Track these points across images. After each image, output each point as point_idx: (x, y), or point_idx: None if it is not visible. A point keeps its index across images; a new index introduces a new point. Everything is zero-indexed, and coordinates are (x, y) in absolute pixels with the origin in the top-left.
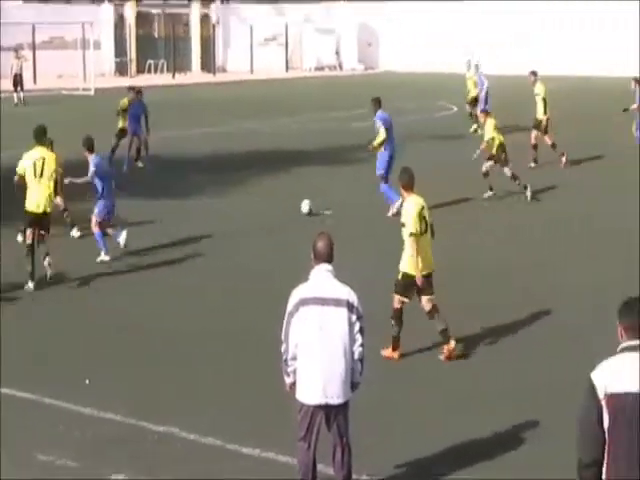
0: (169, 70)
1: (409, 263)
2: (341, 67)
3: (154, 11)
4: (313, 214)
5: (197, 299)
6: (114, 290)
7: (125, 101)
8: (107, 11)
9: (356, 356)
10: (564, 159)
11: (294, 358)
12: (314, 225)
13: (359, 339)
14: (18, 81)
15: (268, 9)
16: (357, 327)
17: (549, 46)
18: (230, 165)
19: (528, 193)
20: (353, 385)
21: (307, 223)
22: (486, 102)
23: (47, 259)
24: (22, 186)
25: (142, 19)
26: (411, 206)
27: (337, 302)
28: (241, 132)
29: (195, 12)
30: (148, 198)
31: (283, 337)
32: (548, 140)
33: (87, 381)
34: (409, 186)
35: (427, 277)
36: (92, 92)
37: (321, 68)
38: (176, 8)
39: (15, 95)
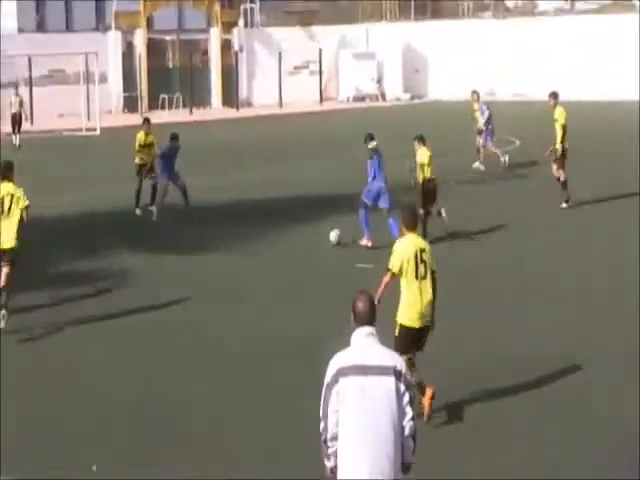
0: (185, 105)
1: (404, 312)
2: (384, 97)
3: (168, 38)
4: (342, 244)
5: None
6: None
7: (142, 135)
8: (114, 40)
9: (406, 432)
10: (564, 204)
11: (334, 438)
12: (346, 281)
13: (409, 412)
14: (17, 121)
15: (299, 33)
16: (406, 398)
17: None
18: (251, 216)
19: None
20: (404, 466)
21: (337, 279)
22: (490, 134)
23: (2, 312)
24: None
25: (154, 48)
26: (406, 245)
27: (382, 370)
28: (267, 178)
29: (215, 38)
30: (154, 251)
31: (321, 414)
32: (560, 175)
33: (94, 468)
34: (410, 225)
35: (420, 330)
36: (98, 132)
37: (361, 98)
38: (193, 34)
39: (14, 137)
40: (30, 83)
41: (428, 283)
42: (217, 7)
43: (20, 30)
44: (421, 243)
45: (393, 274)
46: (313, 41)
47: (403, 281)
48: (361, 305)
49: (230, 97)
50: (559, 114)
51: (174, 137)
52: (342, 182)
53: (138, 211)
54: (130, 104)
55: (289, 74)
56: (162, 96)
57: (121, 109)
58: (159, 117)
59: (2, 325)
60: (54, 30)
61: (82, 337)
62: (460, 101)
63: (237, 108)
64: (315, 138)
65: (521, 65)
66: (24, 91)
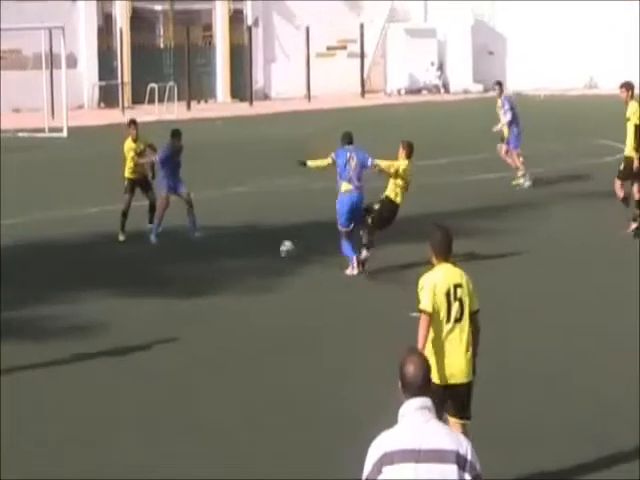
0: (181, 98)
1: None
2: (447, 89)
3: (158, 8)
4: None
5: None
6: None
7: (130, 143)
8: (86, 10)
9: None
10: (633, 225)
11: None
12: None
13: None
14: None
15: (333, 2)
16: None
17: None
18: (264, 243)
19: None
20: None
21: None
22: (516, 138)
23: None
24: None
25: (139, 21)
26: (436, 277)
27: (440, 456)
28: (286, 195)
29: (221, 8)
30: (148, 293)
31: None
32: (621, 191)
33: None
34: (442, 251)
35: (452, 388)
36: (64, 133)
37: (416, 91)
38: (191, 3)
39: None
40: None
41: (465, 328)
42: None
43: None
44: (456, 276)
45: (429, 315)
46: (352, 12)
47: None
48: (412, 370)
49: (241, 87)
50: (632, 110)
51: (175, 134)
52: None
53: (122, 237)
54: (108, 96)
55: (319, 57)
56: (150, 86)
57: (96, 103)
58: (146, 113)
59: None
60: None
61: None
62: (553, 95)
63: (250, 102)
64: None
65: (634, 49)
66: None
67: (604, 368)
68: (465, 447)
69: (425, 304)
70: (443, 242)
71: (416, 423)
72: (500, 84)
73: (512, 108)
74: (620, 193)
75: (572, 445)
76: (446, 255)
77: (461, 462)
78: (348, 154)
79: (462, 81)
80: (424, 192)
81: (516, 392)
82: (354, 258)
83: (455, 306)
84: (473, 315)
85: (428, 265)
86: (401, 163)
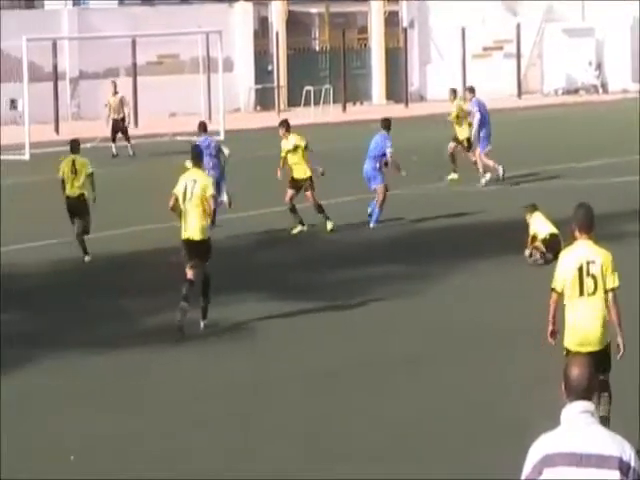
0: (337, 100)
1: (567, 335)
2: (605, 88)
3: (313, 10)
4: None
5: None
6: None
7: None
8: (243, 14)
9: None
10: None
11: None
12: None
13: None
14: (120, 128)
15: (489, 2)
16: None
17: None
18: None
19: None
20: None
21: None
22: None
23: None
24: None
25: (295, 24)
26: (569, 254)
27: (602, 461)
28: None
29: (377, 10)
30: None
31: None
32: None
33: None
34: (584, 226)
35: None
36: (221, 136)
37: (573, 91)
38: (347, 5)
39: (113, 146)
40: (134, 73)
41: (598, 303)
42: None
43: (121, 2)
44: (591, 252)
45: (557, 294)
46: (509, 13)
47: (565, 299)
48: (576, 372)
49: (396, 89)
50: None
51: (202, 125)
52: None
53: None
54: (264, 99)
55: (476, 58)
56: (306, 88)
57: (252, 106)
58: (303, 116)
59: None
60: (164, 2)
61: None
62: None
63: (406, 104)
64: (508, 147)
65: None
66: (125, 83)
67: None
68: (628, 453)
69: (554, 281)
70: (586, 217)
71: (578, 427)
72: (471, 87)
73: (479, 109)
74: None
75: None
76: (587, 230)
77: (624, 468)
78: None
79: (621, 81)
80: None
81: None
82: None
83: (588, 282)
84: (609, 293)
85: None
86: None
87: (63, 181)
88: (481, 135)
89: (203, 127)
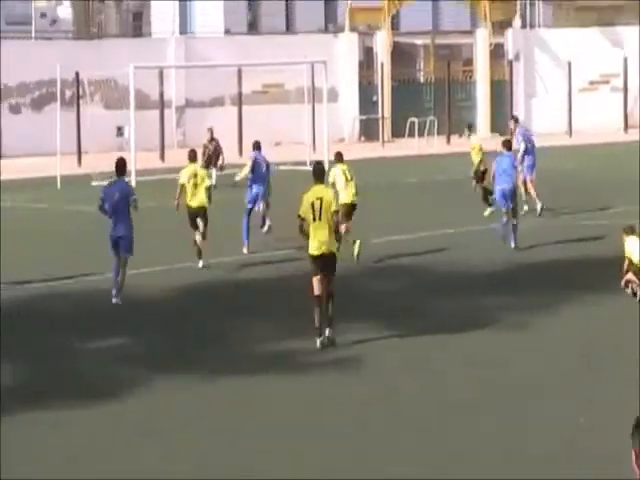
0: (441, 132)
1: None
2: None
3: (418, 42)
4: None
5: None
6: None
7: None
8: (348, 44)
9: None
10: None
11: None
12: None
13: None
14: (212, 162)
15: (596, 35)
16: None
17: None
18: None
19: None
20: None
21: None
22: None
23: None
24: None
25: (400, 55)
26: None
27: None
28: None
29: (482, 42)
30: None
31: None
32: None
33: None
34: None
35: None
36: (326, 167)
37: None
38: (452, 37)
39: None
40: (239, 102)
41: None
42: (485, 1)
43: (227, 32)
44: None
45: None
46: (616, 46)
47: None
48: None
49: (501, 121)
50: None
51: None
52: None
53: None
54: (368, 130)
55: (582, 91)
56: (411, 119)
57: (356, 137)
58: (407, 147)
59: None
60: (270, 32)
61: None
62: None
63: (511, 136)
64: (614, 179)
65: None
66: (231, 112)
67: None
68: None
69: None
70: None
71: None
72: (515, 117)
73: (524, 139)
74: None
75: None
76: None
77: None
78: None
79: None
80: None
81: None
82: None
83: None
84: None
85: None
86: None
87: (183, 185)
88: (525, 164)
89: (257, 146)
